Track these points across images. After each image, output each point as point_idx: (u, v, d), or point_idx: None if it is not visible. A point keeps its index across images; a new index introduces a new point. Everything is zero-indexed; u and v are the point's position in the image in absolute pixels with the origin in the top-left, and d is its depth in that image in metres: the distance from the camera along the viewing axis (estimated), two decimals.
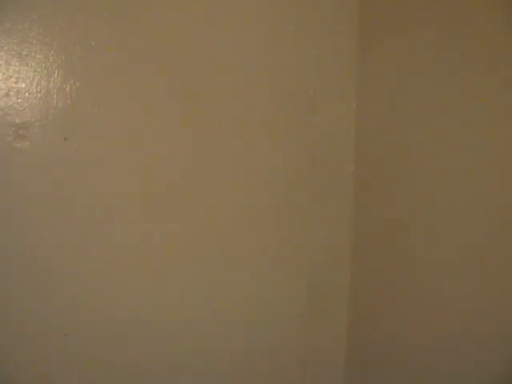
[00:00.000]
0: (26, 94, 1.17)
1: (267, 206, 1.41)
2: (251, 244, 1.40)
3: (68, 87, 1.20)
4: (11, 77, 1.16)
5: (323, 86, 1.47)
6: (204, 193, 1.34)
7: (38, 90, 1.18)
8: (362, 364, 1.46)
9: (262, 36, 1.40)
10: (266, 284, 1.42)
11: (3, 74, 1.15)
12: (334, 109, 1.49)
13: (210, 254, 1.35)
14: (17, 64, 1.16)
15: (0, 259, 1.15)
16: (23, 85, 1.17)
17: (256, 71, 1.40)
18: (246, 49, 1.38)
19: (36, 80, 1.18)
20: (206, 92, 1.33)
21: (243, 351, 1.39)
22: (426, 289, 1.32)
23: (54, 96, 1.19)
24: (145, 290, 1.28)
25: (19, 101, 1.17)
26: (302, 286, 1.46)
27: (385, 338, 1.41)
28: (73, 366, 1.21)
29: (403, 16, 1.39)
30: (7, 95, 1.16)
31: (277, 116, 1.42)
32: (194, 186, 1.33)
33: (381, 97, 1.44)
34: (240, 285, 1.39)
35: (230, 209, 1.37)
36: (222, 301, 1.36)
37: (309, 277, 1.46)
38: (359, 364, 1.47)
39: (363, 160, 1.48)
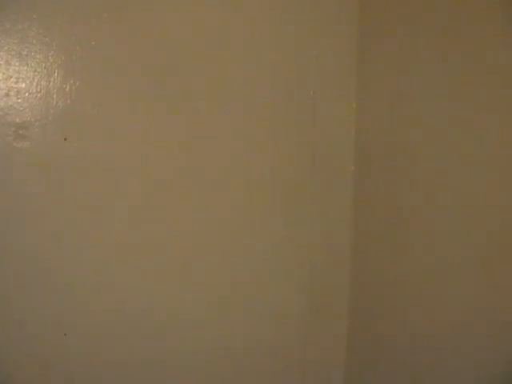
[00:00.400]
0: (26, 94, 1.17)
1: (267, 206, 1.41)
2: (251, 244, 1.40)
3: (68, 87, 1.20)
4: (11, 77, 1.16)
5: (323, 86, 1.47)
6: (203, 193, 1.34)
7: (38, 90, 1.18)
8: (362, 364, 1.46)
9: (262, 36, 1.40)
10: (266, 284, 1.42)
11: (3, 74, 1.15)
12: (333, 109, 1.48)
13: (209, 253, 1.35)
14: (17, 64, 1.16)
15: (0, 259, 1.15)
16: (23, 85, 1.17)
17: (256, 71, 1.39)
18: (246, 49, 1.38)
19: (36, 80, 1.18)
20: (206, 92, 1.33)
21: (243, 351, 1.39)
22: (426, 289, 1.32)
23: (54, 96, 1.19)
24: (144, 290, 1.28)
25: (19, 101, 1.17)
26: (302, 285, 1.46)
27: (385, 338, 1.41)
28: (72, 365, 1.21)
29: (403, 16, 1.39)
30: (7, 95, 1.16)
31: (277, 116, 1.42)
32: (194, 186, 1.33)
33: (381, 97, 1.44)
34: (240, 284, 1.38)
35: (229, 209, 1.37)
36: (221, 301, 1.36)
37: (309, 277, 1.46)
38: (359, 364, 1.47)
39: (363, 160, 1.48)
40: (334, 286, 1.49)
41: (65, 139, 1.20)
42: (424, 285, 1.32)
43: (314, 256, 1.47)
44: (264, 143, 1.40)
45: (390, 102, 1.42)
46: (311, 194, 1.46)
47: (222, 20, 1.35)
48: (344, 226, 1.50)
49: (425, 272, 1.32)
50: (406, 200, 1.37)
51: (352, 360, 1.48)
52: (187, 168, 1.32)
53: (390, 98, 1.42)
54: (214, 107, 1.34)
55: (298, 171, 1.45)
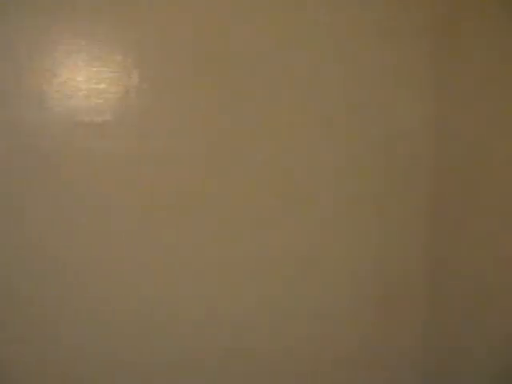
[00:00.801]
0: (106, 95, 1.22)
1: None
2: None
3: (143, 86, 1.24)
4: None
5: (400, 87, 1.43)
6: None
7: (117, 90, 1.23)
8: (438, 364, 1.38)
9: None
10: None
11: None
12: (413, 108, 1.44)
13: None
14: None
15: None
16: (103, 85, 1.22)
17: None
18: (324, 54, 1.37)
19: (115, 81, 1.23)
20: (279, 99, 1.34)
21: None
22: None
23: (132, 95, 1.23)
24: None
25: (100, 101, 1.22)
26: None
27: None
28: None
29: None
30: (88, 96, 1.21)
31: (349, 117, 1.39)
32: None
33: (459, 97, 1.39)
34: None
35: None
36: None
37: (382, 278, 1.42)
38: (434, 364, 1.39)
39: (442, 156, 1.42)
40: (407, 285, 1.44)
41: (138, 137, 1.24)
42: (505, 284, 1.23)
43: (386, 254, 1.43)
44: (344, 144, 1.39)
45: (468, 103, 1.36)
46: (387, 191, 1.42)
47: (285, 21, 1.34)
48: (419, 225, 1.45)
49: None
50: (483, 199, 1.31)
51: (427, 361, 1.41)
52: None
53: (468, 99, 1.36)
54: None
55: (374, 169, 1.41)
